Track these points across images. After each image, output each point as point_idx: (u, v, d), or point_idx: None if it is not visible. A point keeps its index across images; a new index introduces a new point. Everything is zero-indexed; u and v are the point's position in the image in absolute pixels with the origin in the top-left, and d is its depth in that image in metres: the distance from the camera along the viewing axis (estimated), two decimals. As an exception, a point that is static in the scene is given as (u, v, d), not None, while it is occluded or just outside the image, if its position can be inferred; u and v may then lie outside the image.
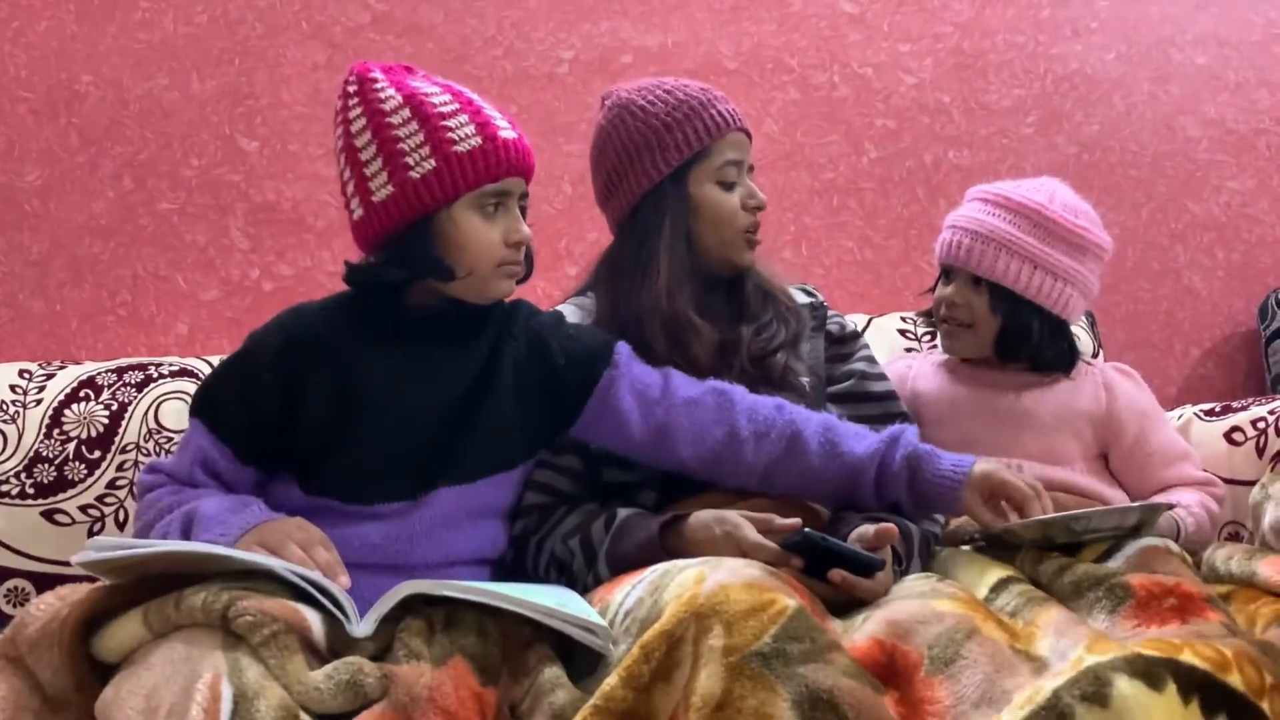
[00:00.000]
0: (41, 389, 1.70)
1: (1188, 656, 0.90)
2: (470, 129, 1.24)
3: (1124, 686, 0.87)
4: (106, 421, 1.67)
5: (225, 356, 1.37)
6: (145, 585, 1.01)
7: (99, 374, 1.73)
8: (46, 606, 1.04)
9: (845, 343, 1.53)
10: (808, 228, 2.16)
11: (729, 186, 1.44)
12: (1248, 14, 2.31)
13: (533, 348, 1.34)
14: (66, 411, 1.68)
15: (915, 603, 1.03)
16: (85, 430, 1.66)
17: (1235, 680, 0.90)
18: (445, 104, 1.25)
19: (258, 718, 0.89)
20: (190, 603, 0.96)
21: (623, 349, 1.35)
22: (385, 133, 1.23)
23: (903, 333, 1.91)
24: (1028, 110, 2.25)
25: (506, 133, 1.26)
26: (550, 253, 2.10)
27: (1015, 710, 0.88)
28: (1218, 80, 2.29)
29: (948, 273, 1.60)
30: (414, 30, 2.09)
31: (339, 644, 1.01)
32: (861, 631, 1.00)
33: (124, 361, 1.77)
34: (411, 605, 1.04)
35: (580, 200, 2.10)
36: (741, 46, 2.18)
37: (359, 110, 1.26)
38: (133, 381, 1.72)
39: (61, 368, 1.76)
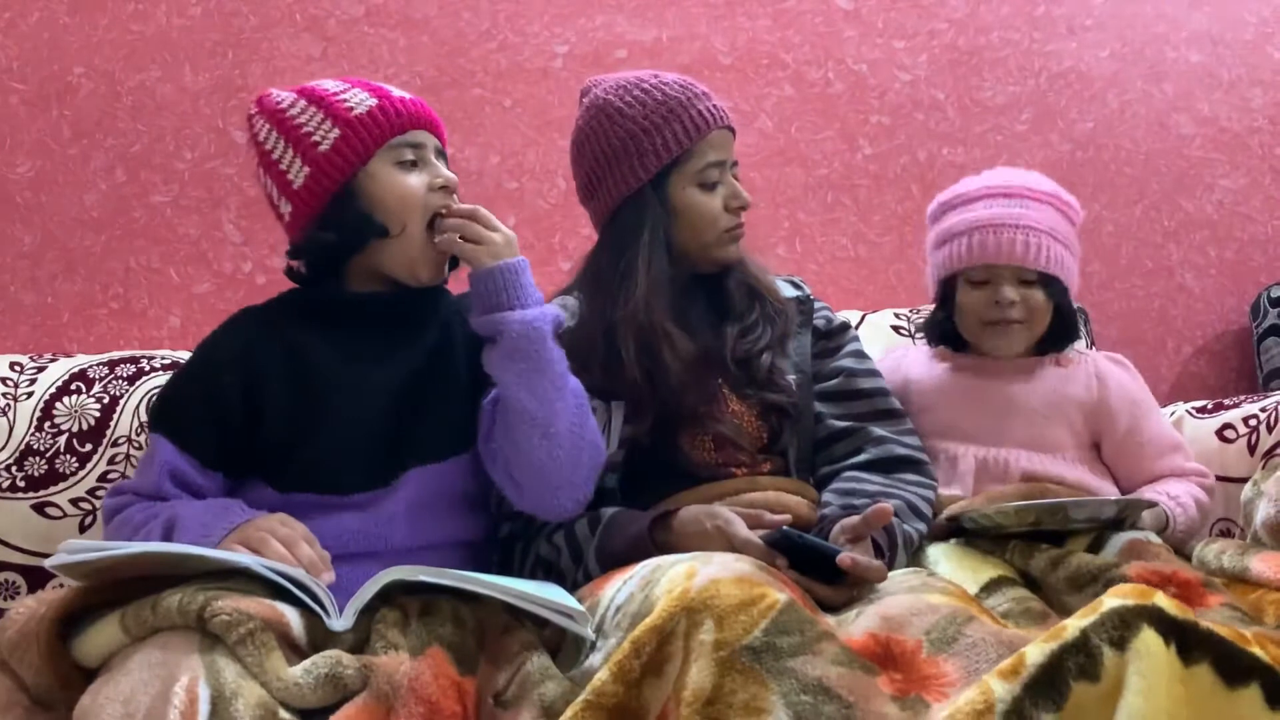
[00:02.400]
0: (33, 381, 1.70)
1: (1202, 627, 0.90)
2: (363, 95, 1.31)
3: (1147, 635, 0.87)
4: (98, 414, 1.66)
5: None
6: (123, 586, 1.00)
7: (91, 367, 1.72)
8: (26, 609, 1.04)
9: (832, 337, 1.51)
10: (801, 224, 2.16)
11: (711, 187, 1.42)
12: (1241, 13, 2.31)
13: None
14: (58, 404, 1.67)
15: (908, 597, 1.03)
16: (77, 423, 1.65)
17: (1257, 651, 0.90)
18: (337, 86, 1.33)
19: (236, 717, 0.89)
20: (167, 604, 0.95)
21: None
22: (287, 124, 1.31)
23: (896, 329, 1.91)
24: (1022, 107, 2.25)
25: (401, 93, 1.33)
26: (544, 247, 2.10)
27: (1041, 644, 0.88)
28: (1211, 78, 2.30)
29: (981, 277, 1.54)
30: (408, 23, 2.09)
31: (319, 639, 1.01)
32: (856, 626, 1.00)
33: (116, 354, 1.77)
34: (387, 596, 1.05)
35: (574, 195, 2.08)
36: (736, 42, 2.17)
37: (261, 121, 1.33)
38: (125, 374, 1.71)
39: (53, 360, 1.75)
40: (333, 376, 1.28)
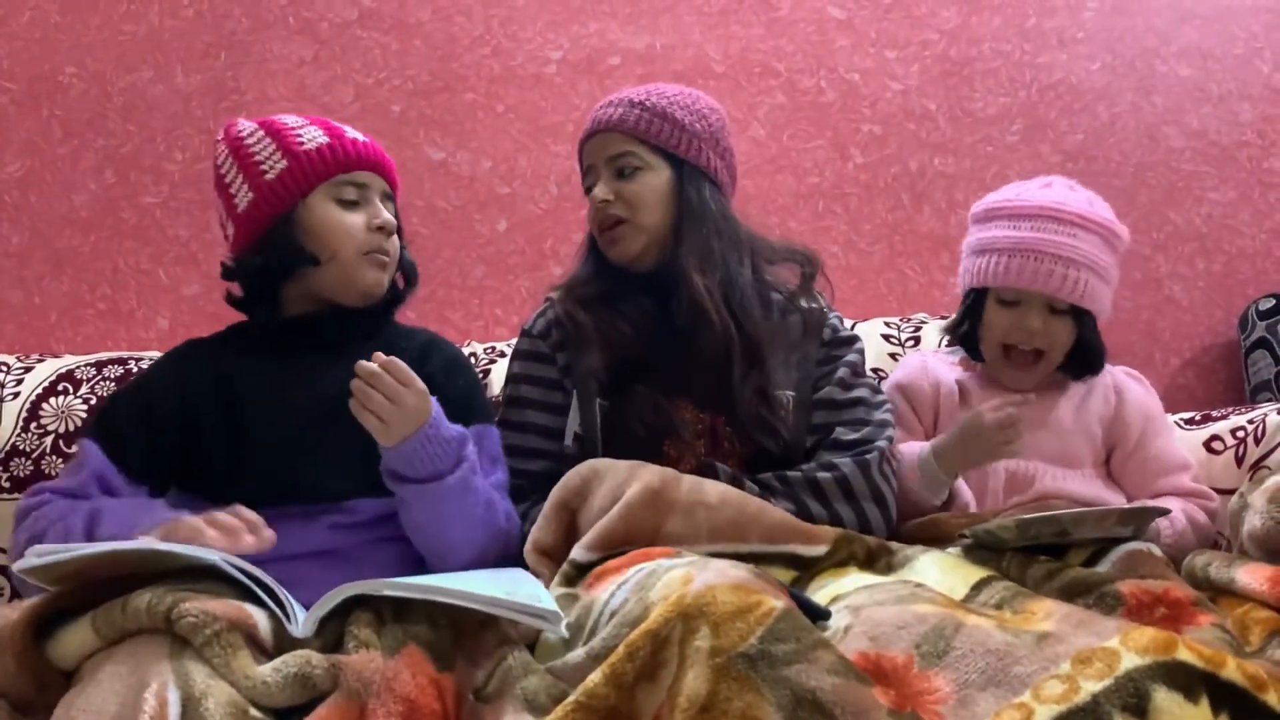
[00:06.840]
0: (19, 382, 1.69)
1: (1228, 672, 0.90)
2: (317, 132, 1.37)
3: (1161, 699, 0.87)
4: (85, 415, 1.65)
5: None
6: (95, 589, 1.00)
7: (78, 368, 1.71)
8: (1, 616, 1.03)
9: (835, 346, 1.52)
10: (792, 232, 2.16)
11: (589, 191, 1.50)
12: (1231, 27, 2.32)
13: (436, 365, 1.39)
14: (44, 405, 1.66)
15: (893, 609, 1.03)
16: (63, 424, 1.64)
17: (1271, 700, 0.90)
18: (297, 123, 1.38)
19: (206, 716, 0.89)
20: (136, 605, 0.96)
21: (491, 431, 1.40)
22: (242, 152, 1.37)
23: (887, 337, 1.91)
24: (1013, 118, 2.26)
25: (356, 135, 1.39)
26: (536, 252, 2.09)
27: (1049, 704, 0.87)
28: (1201, 92, 2.31)
29: (1012, 298, 1.54)
30: (401, 27, 2.09)
31: (286, 642, 1.01)
32: (844, 646, 1.00)
33: (103, 355, 1.76)
34: (360, 598, 1.05)
35: (566, 200, 2.09)
36: (729, 50, 2.18)
37: (223, 148, 1.39)
38: (112, 376, 1.70)
39: (40, 361, 1.74)
40: (256, 402, 1.31)
